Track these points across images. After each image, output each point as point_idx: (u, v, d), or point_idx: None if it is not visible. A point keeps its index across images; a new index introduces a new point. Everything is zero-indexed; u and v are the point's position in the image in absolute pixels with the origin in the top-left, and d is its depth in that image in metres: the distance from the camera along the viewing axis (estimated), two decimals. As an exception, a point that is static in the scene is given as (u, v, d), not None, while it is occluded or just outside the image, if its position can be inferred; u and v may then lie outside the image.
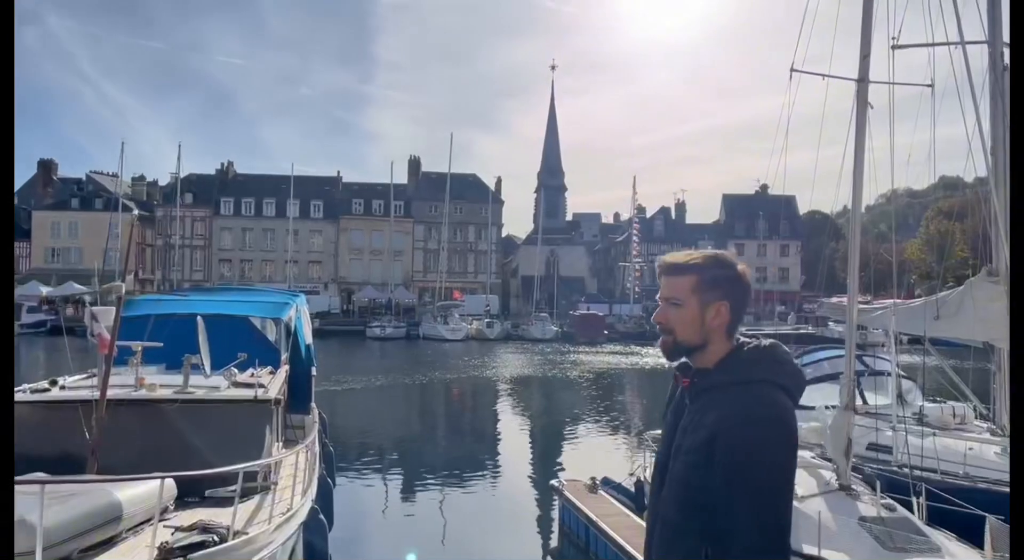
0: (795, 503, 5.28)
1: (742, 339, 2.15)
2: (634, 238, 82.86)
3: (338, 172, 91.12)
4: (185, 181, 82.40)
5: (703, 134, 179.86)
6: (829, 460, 8.80)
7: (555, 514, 11.45)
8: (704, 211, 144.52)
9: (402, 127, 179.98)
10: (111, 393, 7.50)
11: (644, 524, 9.55)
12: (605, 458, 16.93)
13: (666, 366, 2.70)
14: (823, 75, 9.84)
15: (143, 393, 8.23)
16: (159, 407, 8.09)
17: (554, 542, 10.96)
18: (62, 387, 8.57)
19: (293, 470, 7.89)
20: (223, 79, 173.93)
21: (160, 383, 8.47)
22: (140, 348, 8.65)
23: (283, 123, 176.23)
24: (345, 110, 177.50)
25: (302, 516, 7.24)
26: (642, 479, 11.35)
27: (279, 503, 7.17)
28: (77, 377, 9.41)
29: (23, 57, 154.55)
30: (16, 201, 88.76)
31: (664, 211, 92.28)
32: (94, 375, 9.78)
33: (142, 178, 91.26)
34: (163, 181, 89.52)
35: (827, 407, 10.03)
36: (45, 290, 70.25)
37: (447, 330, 64.36)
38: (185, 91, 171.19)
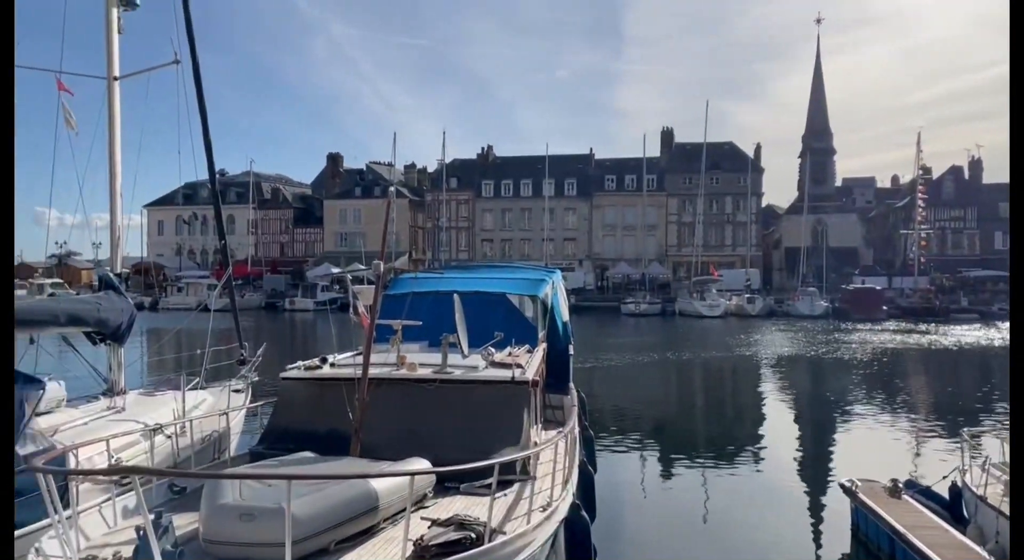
0: None
1: None
2: (919, 202, 73.62)
3: (590, 149, 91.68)
4: (450, 166, 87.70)
5: (997, 83, 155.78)
6: None
7: (845, 517, 9.97)
8: (1003, 170, 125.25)
9: (653, 101, 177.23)
10: (373, 372, 7.45)
11: (968, 542, 7.80)
12: (899, 456, 14.71)
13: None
14: None
15: (403, 372, 8.15)
16: (418, 386, 7.96)
17: (845, 548, 9.49)
18: (332, 364, 8.77)
19: (552, 457, 7.33)
20: (482, 68, 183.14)
21: (420, 362, 8.35)
22: (400, 326, 8.59)
23: (537, 106, 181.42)
24: (595, 89, 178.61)
25: (563, 512, 6.63)
26: (960, 485, 9.47)
27: (539, 494, 6.63)
28: (346, 354, 9.67)
29: (313, 66, 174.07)
30: (310, 191, 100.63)
31: (955, 171, 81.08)
32: (360, 353, 10.00)
33: (412, 166, 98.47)
34: (431, 168, 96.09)
35: None
36: (335, 271, 78.66)
37: (704, 306, 62.06)
38: (448, 83, 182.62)
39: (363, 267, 78.70)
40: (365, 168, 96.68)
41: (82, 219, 12.11)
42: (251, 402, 12.49)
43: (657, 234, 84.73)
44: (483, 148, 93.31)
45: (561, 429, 8.00)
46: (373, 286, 8.07)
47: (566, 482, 7.11)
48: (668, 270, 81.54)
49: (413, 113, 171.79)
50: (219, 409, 11.61)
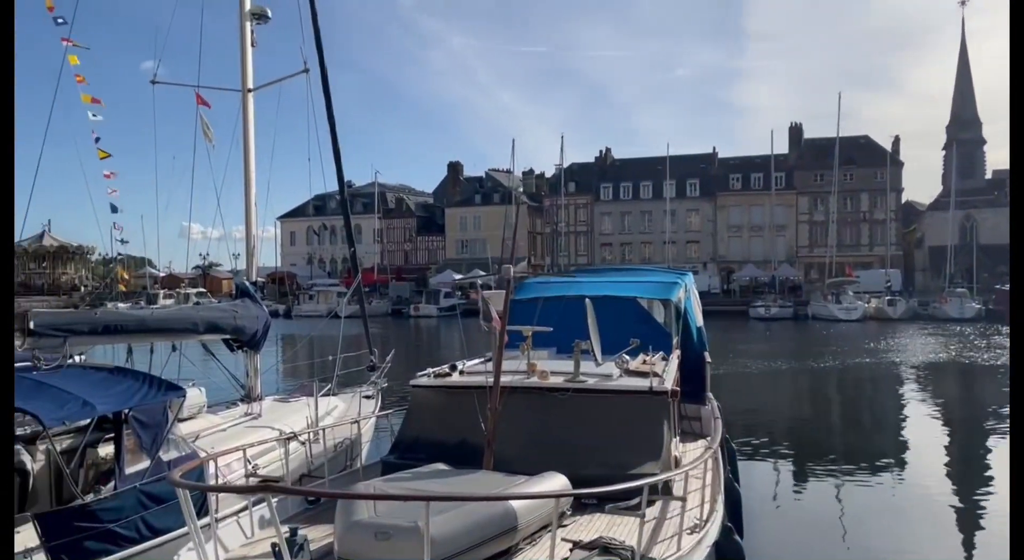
0: None
1: None
2: (1084, 194, 66.75)
3: (713, 148, 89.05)
4: (568, 171, 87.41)
5: None
6: None
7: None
8: None
9: (777, 98, 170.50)
10: (504, 380, 7.13)
11: None
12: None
13: None
14: None
15: (534, 380, 7.79)
16: (550, 396, 7.57)
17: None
18: (461, 372, 8.53)
19: (700, 473, 6.76)
20: (598, 72, 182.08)
21: (551, 369, 7.96)
22: (530, 333, 8.24)
23: (655, 107, 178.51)
24: (716, 87, 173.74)
25: (713, 535, 6.06)
26: None
27: (688, 512, 6.09)
28: (475, 361, 9.43)
29: (432, 78, 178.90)
30: (432, 200, 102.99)
31: None
32: (489, 359, 9.72)
33: (531, 171, 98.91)
34: (549, 173, 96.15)
35: None
36: (457, 277, 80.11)
37: (840, 309, 58.71)
38: (564, 88, 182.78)
39: (483, 273, 79.84)
40: (484, 175, 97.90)
41: (222, 231, 12.52)
42: (380, 409, 12.53)
43: (786, 234, 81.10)
44: (601, 151, 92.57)
45: (708, 443, 7.41)
46: (502, 291, 7.77)
47: (715, 501, 6.53)
48: (799, 272, 77.83)
49: (530, 120, 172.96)
50: (350, 416, 11.66)
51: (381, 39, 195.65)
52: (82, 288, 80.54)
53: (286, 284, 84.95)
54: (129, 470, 7.37)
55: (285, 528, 4.47)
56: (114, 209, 12.94)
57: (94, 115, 11.88)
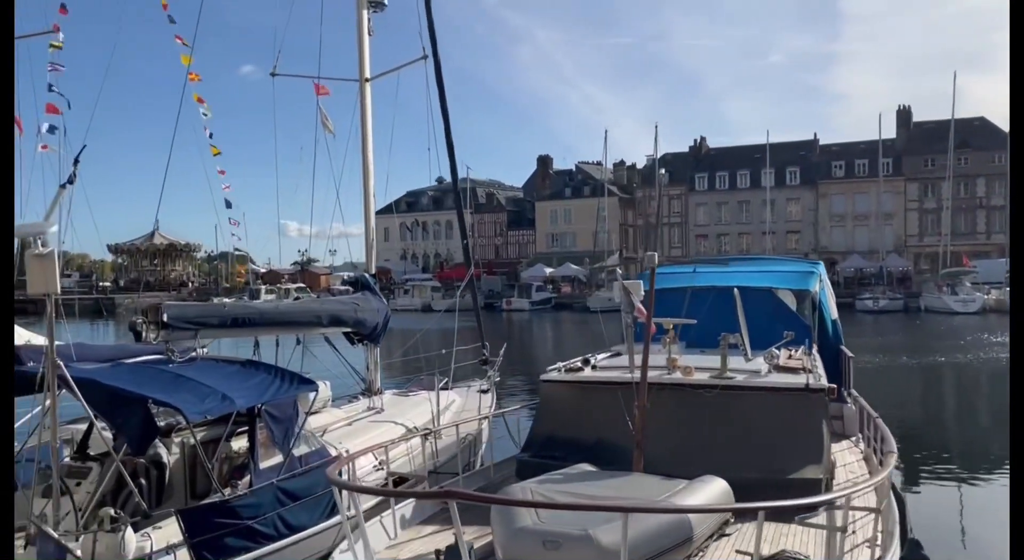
0: None
1: None
2: None
3: (814, 135, 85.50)
4: (660, 161, 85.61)
5: None
6: None
7: None
8: None
9: (876, 81, 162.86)
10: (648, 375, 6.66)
11: None
12: None
13: None
14: None
15: (678, 376, 7.29)
16: (696, 393, 7.07)
17: None
18: (593, 366, 8.12)
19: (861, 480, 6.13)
20: (687, 62, 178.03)
21: (695, 365, 7.44)
22: (671, 326, 7.73)
23: (748, 95, 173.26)
24: (811, 72, 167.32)
25: (897, 550, 5.42)
26: None
27: (856, 523, 5.48)
28: (604, 355, 9.01)
29: (519, 73, 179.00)
30: (522, 194, 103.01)
31: None
32: (618, 354, 9.26)
33: (621, 163, 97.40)
34: (640, 164, 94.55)
35: None
36: (548, 271, 79.89)
37: (956, 301, 55.33)
38: (652, 79, 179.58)
39: (576, 267, 79.27)
40: (574, 168, 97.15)
41: (340, 228, 12.50)
42: (497, 404, 12.29)
43: (894, 223, 77.10)
44: (695, 141, 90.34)
45: (879, 445, 6.74)
46: (640, 281, 7.31)
47: (886, 510, 5.88)
48: (908, 262, 73.89)
49: (617, 111, 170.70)
50: (468, 410, 11.43)
51: (468, 36, 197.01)
52: (190, 284, 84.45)
53: (382, 279, 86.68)
54: (263, 465, 7.28)
55: (463, 535, 4.17)
56: (228, 205, 13.10)
57: (205, 113, 12.01)
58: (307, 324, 9.05)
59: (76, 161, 6.66)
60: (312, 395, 7.60)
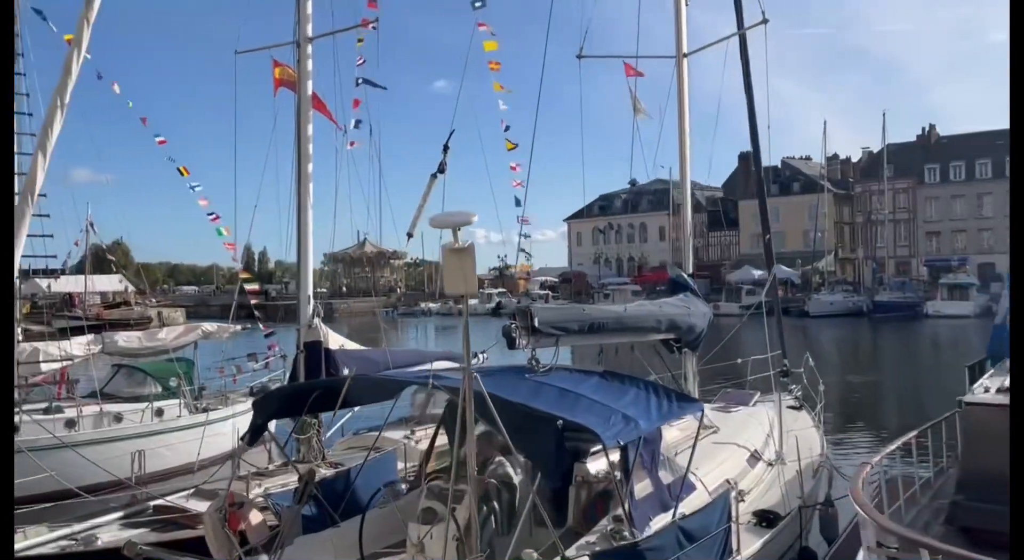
0: None
1: None
2: None
3: (1069, 115, 74.65)
4: (880, 154, 78.56)
5: None
6: None
7: None
8: None
9: None
10: None
11: None
12: None
13: None
14: None
15: None
16: None
17: None
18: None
19: None
20: (888, 47, 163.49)
21: None
22: None
23: (961, 80, 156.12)
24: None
25: None
26: None
27: None
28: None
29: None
30: (721, 194, 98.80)
31: None
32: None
33: (835, 157, 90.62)
34: (854, 158, 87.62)
35: None
36: (756, 273, 75.38)
37: None
38: (850, 68, 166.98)
39: (788, 269, 74.40)
40: (780, 164, 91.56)
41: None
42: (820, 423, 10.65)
43: None
44: (924, 128, 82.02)
45: None
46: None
47: None
48: None
49: (808, 105, 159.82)
50: (797, 431, 9.86)
51: (653, 36, 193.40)
52: (398, 289, 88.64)
53: (577, 283, 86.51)
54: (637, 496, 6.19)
55: None
56: (517, 202, 12.26)
57: (503, 105, 11.29)
58: (650, 330, 7.97)
59: (446, 148, 5.87)
60: (700, 416, 6.40)
